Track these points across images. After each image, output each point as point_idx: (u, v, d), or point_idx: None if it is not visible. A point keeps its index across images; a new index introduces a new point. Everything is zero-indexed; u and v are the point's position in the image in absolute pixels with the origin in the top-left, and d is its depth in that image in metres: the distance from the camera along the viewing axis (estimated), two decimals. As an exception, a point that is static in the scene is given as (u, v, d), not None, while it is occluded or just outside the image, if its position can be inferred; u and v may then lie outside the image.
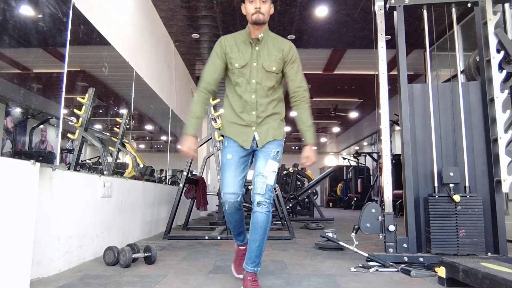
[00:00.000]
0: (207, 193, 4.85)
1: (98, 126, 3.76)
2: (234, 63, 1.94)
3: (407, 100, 2.71)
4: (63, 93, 2.53)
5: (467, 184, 2.55)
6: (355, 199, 12.66)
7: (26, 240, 1.78)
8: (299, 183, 8.01)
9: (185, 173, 4.08)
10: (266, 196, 1.87)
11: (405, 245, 2.53)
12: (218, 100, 4.30)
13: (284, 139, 2.06)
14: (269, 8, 1.92)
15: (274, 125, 1.99)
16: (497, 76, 2.59)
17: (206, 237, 3.88)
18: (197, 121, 1.97)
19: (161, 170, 5.89)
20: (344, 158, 15.03)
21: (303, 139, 2.02)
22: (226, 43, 1.97)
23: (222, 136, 2.08)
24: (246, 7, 1.93)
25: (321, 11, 5.26)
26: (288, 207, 6.57)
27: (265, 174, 1.89)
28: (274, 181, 1.92)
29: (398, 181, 2.97)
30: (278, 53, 1.95)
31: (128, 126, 4.01)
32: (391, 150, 5.44)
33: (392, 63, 3.08)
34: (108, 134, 3.90)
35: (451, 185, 2.55)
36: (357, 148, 17.74)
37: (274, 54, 1.95)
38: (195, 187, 4.64)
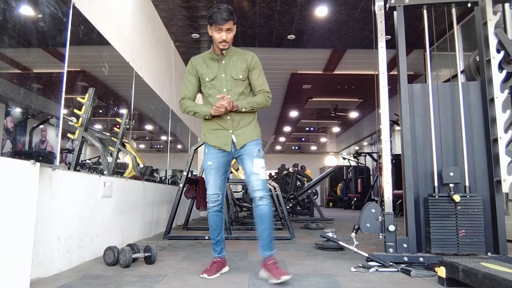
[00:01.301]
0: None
1: (98, 126, 3.76)
2: (204, 77, 2.24)
3: (407, 100, 2.71)
4: (63, 93, 2.53)
5: (467, 184, 2.55)
6: (355, 199, 12.66)
7: (26, 240, 1.78)
8: (299, 183, 8.01)
9: (185, 173, 4.08)
10: (265, 190, 2.16)
11: (405, 245, 2.53)
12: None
13: (261, 137, 2.31)
14: (233, 34, 2.20)
15: (250, 128, 2.24)
16: (497, 76, 2.58)
17: (206, 237, 3.88)
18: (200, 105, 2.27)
19: (156, 169, 5.84)
20: (344, 158, 15.02)
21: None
22: (195, 62, 2.28)
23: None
24: (212, 33, 2.18)
25: (321, 11, 5.26)
26: (288, 207, 6.57)
27: (256, 171, 2.16)
28: (266, 175, 2.20)
29: (398, 181, 2.97)
30: (242, 63, 2.23)
31: (128, 126, 4.00)
32: (391, 150, 5.44)
33: (392, 63, 3.08)
34: (108, 134, 3.90)
35: (451, 185, 2.55)
36: (357, 148, 17.74)
37: (239, 65, 2.23)
38: (195, 187, 4.64)
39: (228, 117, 2.21)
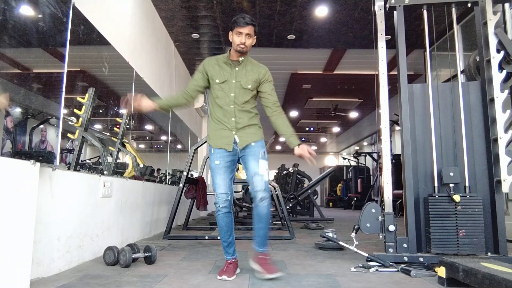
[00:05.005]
0: (207, 193, 4.85)
1: (98, 126, 3.76)
2: (214, 79, 2.29)
3: (407, 100, 2.71)
4: (63, 93, 2.53)
5: (467, 184, 2.55)
6: (355, 199, 12.65)
7: (26, 240, 1.78)
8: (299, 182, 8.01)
9: (185, 173, 4.08)
10: (266, 191, 2.22)
11: (405, 245, 2.53)
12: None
13: (264, 141, 2.37)
14: (252, 41, 2.26)
15: (253, 130, 2.30)
16: (497, 76, 2.58)
17: (206, 237, 3.88)
18: (160, 100, 2.35)
19: (158, 169, 5.85)
20: (344, 158, 15.03)
21: (291, 146, 2.36)
22: (208, 63, 2.34)
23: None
24: (233, 37, 2.25)
25: (321, 11, 5.26)
26: (288, 207, 6.57)
27: (261, 172, 2.22)
28: (268, 177, 2.27)
29: (398, 181, 2.96)
30: (254, 75, 2.30)
31: (128, 126, 4.00)
32: (391, 150, 5.44)
33: (392, 63, 3.08)
34: (108, 134, 3.90)
35: (451, 185, 2.55)
36: (357, 148, 17.73)
37: (251, 75, 2.29)
38: (195, 187, 4.64)
39: (233, 119, 2.26)
